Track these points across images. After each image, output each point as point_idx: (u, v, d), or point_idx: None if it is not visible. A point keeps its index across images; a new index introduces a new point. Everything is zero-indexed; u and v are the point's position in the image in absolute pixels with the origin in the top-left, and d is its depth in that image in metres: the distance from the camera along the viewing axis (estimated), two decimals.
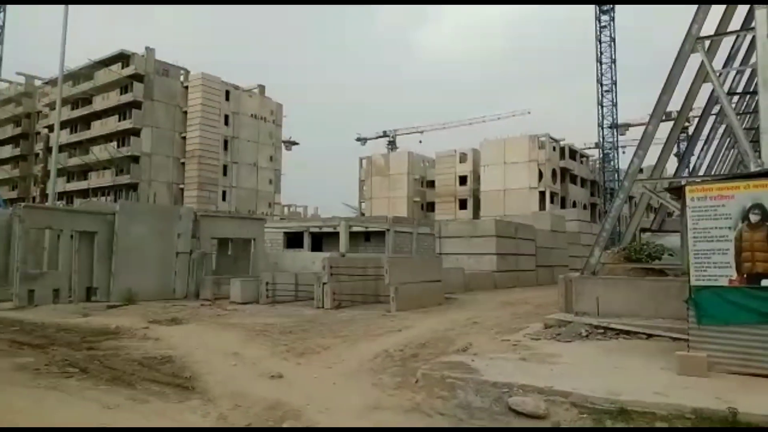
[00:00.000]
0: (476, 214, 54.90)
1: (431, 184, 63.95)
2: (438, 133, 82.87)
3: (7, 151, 61.08)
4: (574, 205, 55.37)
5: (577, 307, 10.65)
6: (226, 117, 54.26)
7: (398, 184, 63.76)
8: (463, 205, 58.86)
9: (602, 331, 9.51)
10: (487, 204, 53.97)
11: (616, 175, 52.86)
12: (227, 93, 54.53)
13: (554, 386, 5.94)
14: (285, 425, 5.36)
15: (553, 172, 53.14)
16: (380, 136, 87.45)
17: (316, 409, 5.84)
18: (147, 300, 16.96)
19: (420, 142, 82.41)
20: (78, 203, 37.05)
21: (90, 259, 17.30)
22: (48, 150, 34.87)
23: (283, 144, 64.72)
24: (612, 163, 53.26)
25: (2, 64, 47.16)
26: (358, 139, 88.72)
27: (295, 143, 78.12)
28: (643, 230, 14.08)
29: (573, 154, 58.34)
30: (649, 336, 9.06)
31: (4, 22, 46.62)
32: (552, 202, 51.77)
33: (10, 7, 46.76)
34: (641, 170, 11.64)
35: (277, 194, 60.16)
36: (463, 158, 59.70)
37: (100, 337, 10.56)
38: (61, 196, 48.92)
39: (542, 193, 51.84)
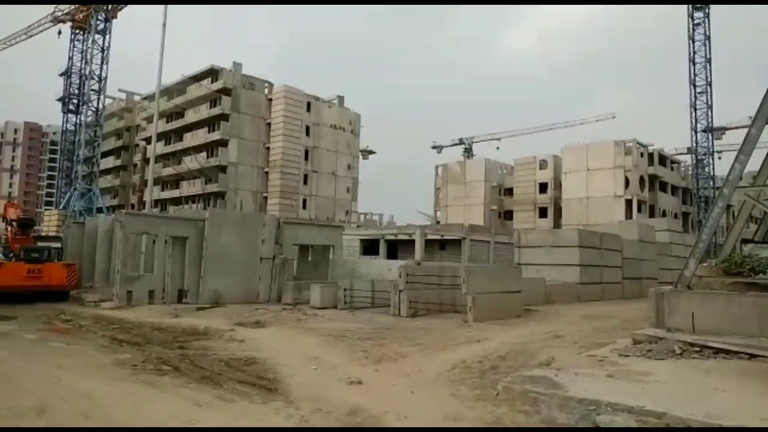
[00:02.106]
0: (557, 222, 53.16)
1: (509, 191, 62.62)
2: (516, 140, 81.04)
3: (110, 161, 66.20)
4: (664, 214, 52.23)
5: (669, 322, 9.99)
6: (307, 128, 55.99)
7: (474, 192, 62.94)
8: (543, 213, 57.13)
9: (698, 349, 8.86)
10: (568, 212, 52.07)
11: (711, 183, 49.40)
12: (308, 104, 56.29)
13: (646, 406, 5.60)
14: None
15: (641, 179, 50.41)
16: (456, 144, 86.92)
17: (395, 418, 5.84)
18: (232, 303, 17.74)
19: (497, 148, 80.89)
20: (171, 210, 39.57)
21: (182, 263, 18.36)
22: (145, 161, 37.57)
23: (360, 153, 65.83)
24: (706, 169, 49.84)
25: (107, 82, 51.40)
26: (434, 147, 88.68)
27: (372, 152, 79.15)
28: (745, 241, 12.97)
29: (663, 159, 55.14)
30: (752, 356, 8.33)
31: (109, 44, 50.79)
32: (639, 210, 49.11)
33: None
34: (741, 177, 10.78)
35: (354, 202, 61.21)
36: (543, 165, 58.02)
37: (190, 338, 11.16)
38: (156, 203, 52.39)
39: (629, 202, 49.30)
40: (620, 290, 24.00)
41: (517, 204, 59.45)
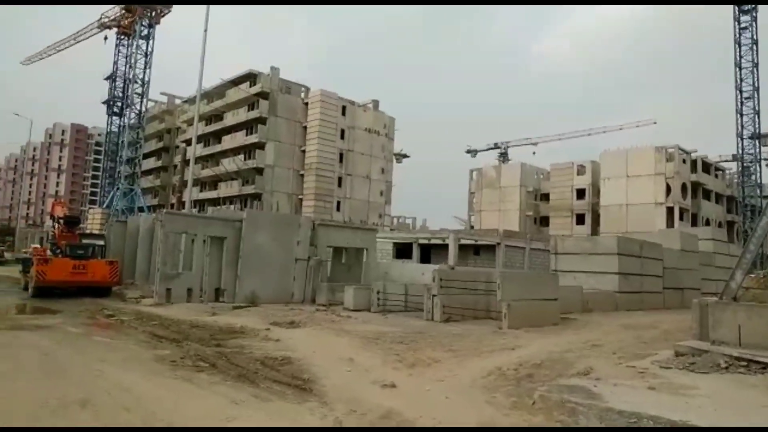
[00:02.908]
0: (594, 230, 52.05)
1: (545, 197, 61.66)
2: (552, 145, 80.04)
3: (151, 162, 68.12)
4: (707, 222, 50.58)
5: (714, 335, 9.64)
6: (342, 131, 56.44)
7: (509, 197, 62.19)
8: (580, 220, 56.01)
9: (745, 363, 8.51)
10: (607, 219, 50.90)
11: (758, 191, 47.68)
12: (343, 108, 56.75)
13: (690, 420, 5.41)
14: None
15: (683, 186, 48.93)
16: (491, 148, 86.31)
17: (429, 423, 5.80)
18: (267, 303, 17.97)
19: (534, 153, 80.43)
20: (209, 211, 40.37)
21: (219, 263, 18.71)
22: (185, 162, 38.46)
23: (394, 156, 65.94)
24: (753, 177, 48.08)
25: (150, 86, 53.01)
26: (469, 151, 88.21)
27: (405, 156, 79.36)
28: None
29: (706, 167, 53.40)
30: None
31: (152, 49, 52.36)
32: (681, 219, 47.67)
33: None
34: None
35: (387, 205, 61.32)
36: (581, 170, 56.90)
37: (226, 336, 11.35)
38: (194, 204, 53.62)
39: (670, 209, 47.90)
40: (661, 300, 23.32)
41: (554, 210, 58.47)
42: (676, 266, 24.88)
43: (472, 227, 60.45)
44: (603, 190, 52.36)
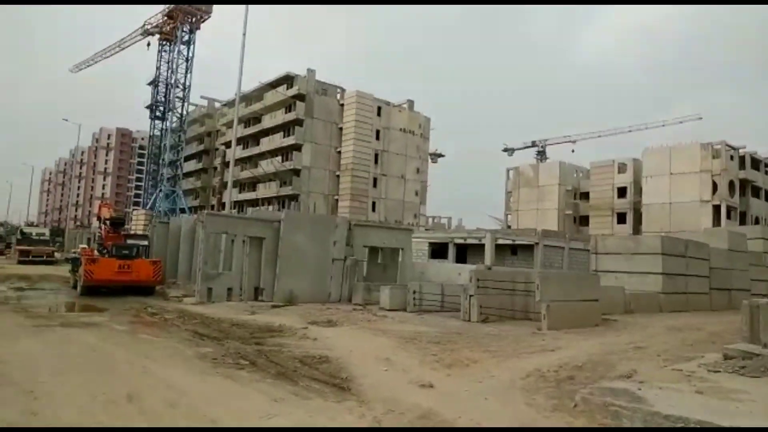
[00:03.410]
0: (636, 229, 50.67)
1: (585, 196, 60.34)
2: (592, 143, 78.73)
3: (192, 165, 69.78)
4: (757, 221, 48.59)
5: (765, 337, 9.23)
6: (377, 132, 56.62)
7: (548, 196, 61.14)
8: (621, 219, 54.59)
9: None
10: (649, 218, 49.48)
11: None
12: (379, 109, 56.92)
13: (740, 426, 5.20)
14: None
15: (731, 183, 47.10)
16: (528, 146, 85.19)
17: (467, 423, 5.76)
18: (305, 302, 18.17)
19: (573, 151, 78.55)
20: (249, 212, 41.10)
21: (258, 262, 19.03)
22: (225, 164, 39.29)
23: (429, 156, 65.71)
24: None
25: (191, 90, 54.39)
26: (505, 150, 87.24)
27: (441, 155, 79.02)
28: None
29: (756, 163, 51.28)
30: None
31: (193, 54, 53.70)
32: (729, 217, 45.90)
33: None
34: None
35: (422, 205, 61.19)
36: (622, 168, 55.46)
37: (265, 334, 11.53)
38: (234, 205, 54.68)
39: (716, 208, 46.20)
40: (707, 301, 22.51)
41: (594, 209, 57.16)
42: (724, 266, 23.97)
43: (509, 227, 59.70)
44: (645, 189, 50.91)
